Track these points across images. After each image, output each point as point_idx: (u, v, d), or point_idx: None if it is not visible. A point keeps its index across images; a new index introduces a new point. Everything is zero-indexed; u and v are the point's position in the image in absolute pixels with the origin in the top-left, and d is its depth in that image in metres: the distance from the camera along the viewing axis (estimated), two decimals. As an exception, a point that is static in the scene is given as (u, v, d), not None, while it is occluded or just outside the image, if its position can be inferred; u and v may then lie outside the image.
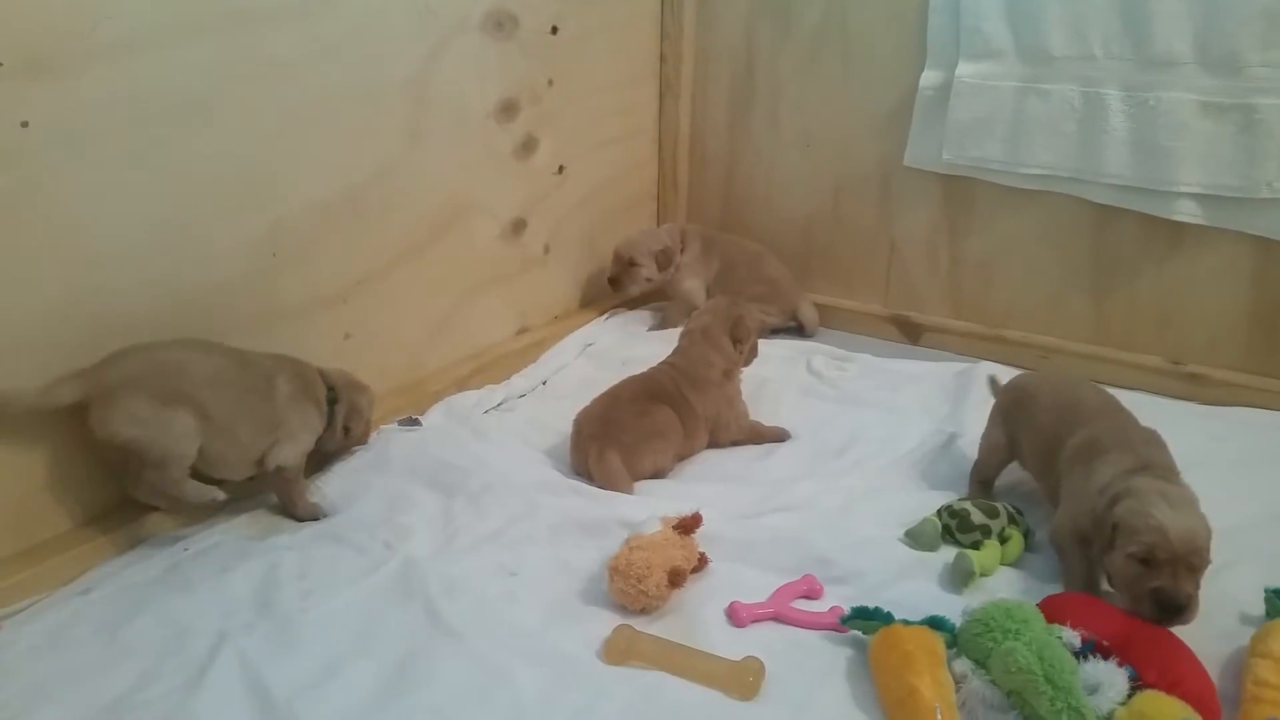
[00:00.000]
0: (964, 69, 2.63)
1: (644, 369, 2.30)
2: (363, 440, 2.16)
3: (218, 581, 1.73)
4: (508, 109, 2.53)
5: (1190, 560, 1.49)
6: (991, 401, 2.10)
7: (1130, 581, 1.53)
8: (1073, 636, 1.45)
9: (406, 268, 2.35)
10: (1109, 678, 1.39)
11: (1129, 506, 1.55)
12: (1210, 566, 1.53)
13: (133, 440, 1.71)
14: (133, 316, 1.82)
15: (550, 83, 2.65)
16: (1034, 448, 1.92)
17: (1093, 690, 1.38)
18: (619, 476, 2.04)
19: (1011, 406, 2.00)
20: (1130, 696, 1.37)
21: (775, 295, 2.93)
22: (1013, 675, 1.37)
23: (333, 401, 2.03)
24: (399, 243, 2.32)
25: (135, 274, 1.82)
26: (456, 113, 2.39)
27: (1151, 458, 1.68)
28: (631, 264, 2.89)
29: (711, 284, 2.99)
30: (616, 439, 2.09)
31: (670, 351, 2.31)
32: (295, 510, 1.94)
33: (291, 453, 1.92)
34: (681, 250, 2.99)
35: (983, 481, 2.03)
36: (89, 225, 1.74)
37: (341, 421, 2.05)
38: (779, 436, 2.31)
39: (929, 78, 2.71)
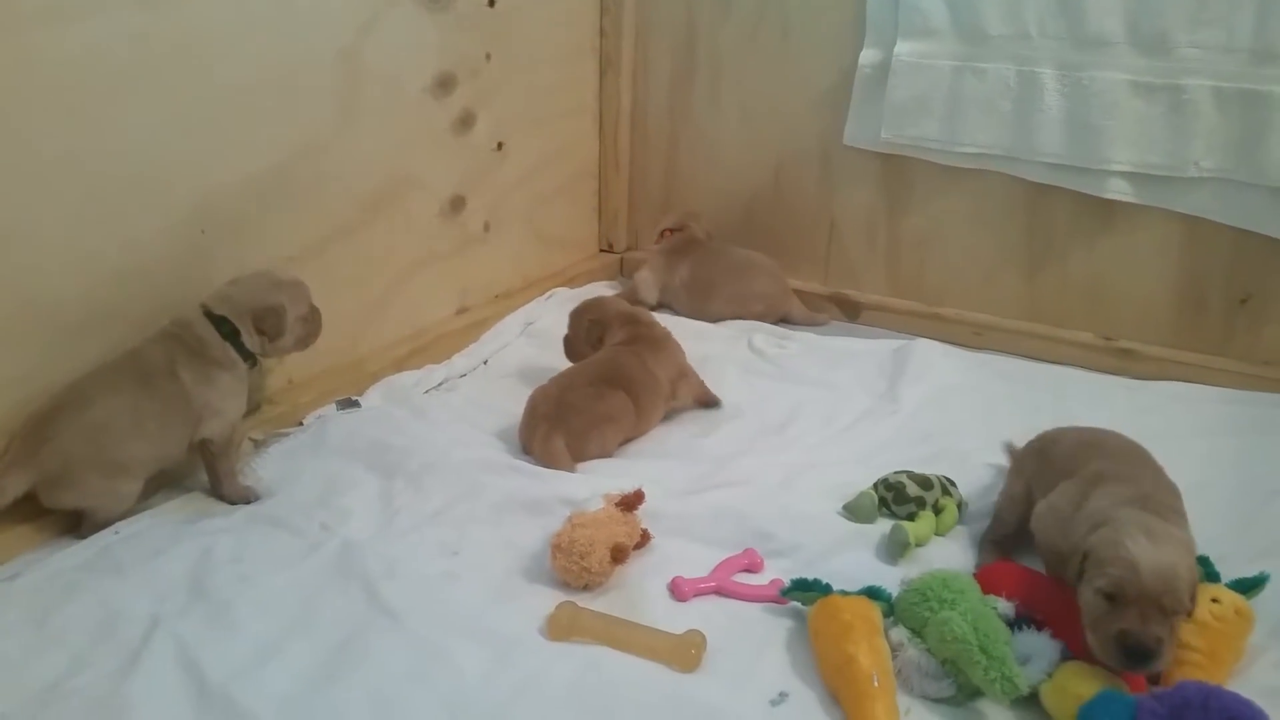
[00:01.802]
0: (902, 47, 2.64)
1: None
2: (315, 330, 2.02)
3: (150, 565, 1.69)
4: (444, 84, 2.50)
5: (1162, 601, 1.32)
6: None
7: (1095, 620, 1.37)
8: (1007, 607, 1.48)
9: (341, 246, 2.31)
10: (1041, 649, 1.42)
11: (1104, 535, 1.40)
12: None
13: (82, 509, 1.77)
14: (57, 296, 1.78)
15: (488, 57, 2.61)
16: (1047, 487, 1.70)
17: (1025, 661, 1.40)
18: (561, 459, 2.03)
19: (1030, 456, 1.83)
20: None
21: (762, 311, 2.86)
22: (948, 644, 1.40)
23: (232, 335, 1.88)
24: (333, 220, 2.28)
25: (60, 254, 1.77)
26: (391, 87, 2.35)
27: (1155, 495, 1.52)
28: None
29: (679, 287, 2.93)
30: (566, 421, 2.08)
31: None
32: (223, 489, 1.91)
33: (216, 426, 1.88)
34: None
35: (996, 542, 1.79)
36: (8, 205, 1.68)
37: (258, 340, 1.90)
38: (716, 401, 2.36)
39: (868, 56, 2.72)
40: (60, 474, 1.72)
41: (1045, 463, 1.77)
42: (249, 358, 1.91)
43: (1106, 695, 1.31)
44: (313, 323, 2.00)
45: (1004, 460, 1.97)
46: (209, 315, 1.88)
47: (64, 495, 1.74)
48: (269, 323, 1.90)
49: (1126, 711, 1.26)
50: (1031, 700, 1.40)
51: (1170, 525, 1.44)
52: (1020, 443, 1.92)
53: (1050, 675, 1.39)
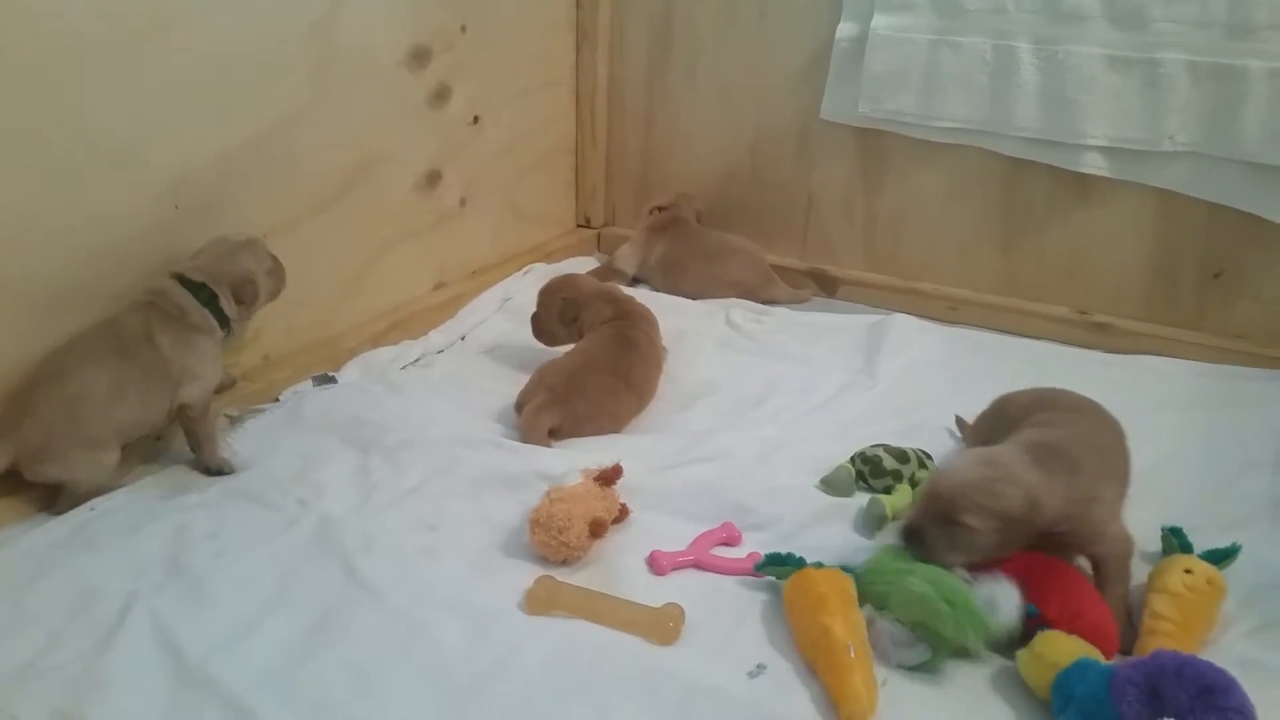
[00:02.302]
0: (879, 20, 2.64)
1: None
2: (281, 281, 2.04)
3: (126, 541, 1.68)
4: (419, 56, 2.47)
5: (934, 504, 1.48)
6: (961, 401, 2.03)
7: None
8: (962, 572, 1.48)
9: (316, 221, 2.29)
10: (1001, 593, 1.43)
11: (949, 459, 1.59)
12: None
13: (65, 481, 1.76)
14: (28, 273, 1.75)
15: (463, 29, 2.58)
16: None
17: (989, 607, 1.42)
18: (538, 436, 2.03)
19: (987, 417, 1.86)
20: (1034, 635, 1.41)
21: (736, 297, 2.83)
22: (912, 606, 1.41)
23: (210, 302, 1.89)
24: (307, 196, 2.26)
25: (30, 230, 1.74)
26: (364, 60, 2.32)
27: (1054, 443, 1.57)
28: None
29: (654, 264, 2.91)
30: (571, 402, 2.07)
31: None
32: (204, 455, 1.90)
33: (196, 391, 1.87)
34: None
35: None
36: (-24, 178, 1.66)
37: (236, 307, 1.92)
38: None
39: (845, 29, 2.71)
40: (42, 447, 1.71)
41: (999, 420, 1.79)
42: (225, 324, 1.92)
43: (1082, 663, 1.32)
44: (277, 275, 2.02)
45: (964, 402, 2.00)
46: (186, 283, 1.87)
47: (46, 468, 1.73)
48: (246, 291, 1.92)
49: (1102, 679, 1.27)
50: (1007, 671, 1.42)
51: (1032, 470, 1.48)
52: (969, 417, 1.95)
53: (1027, 646, 1.40)
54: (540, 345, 2.40)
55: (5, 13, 1.64)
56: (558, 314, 2.34)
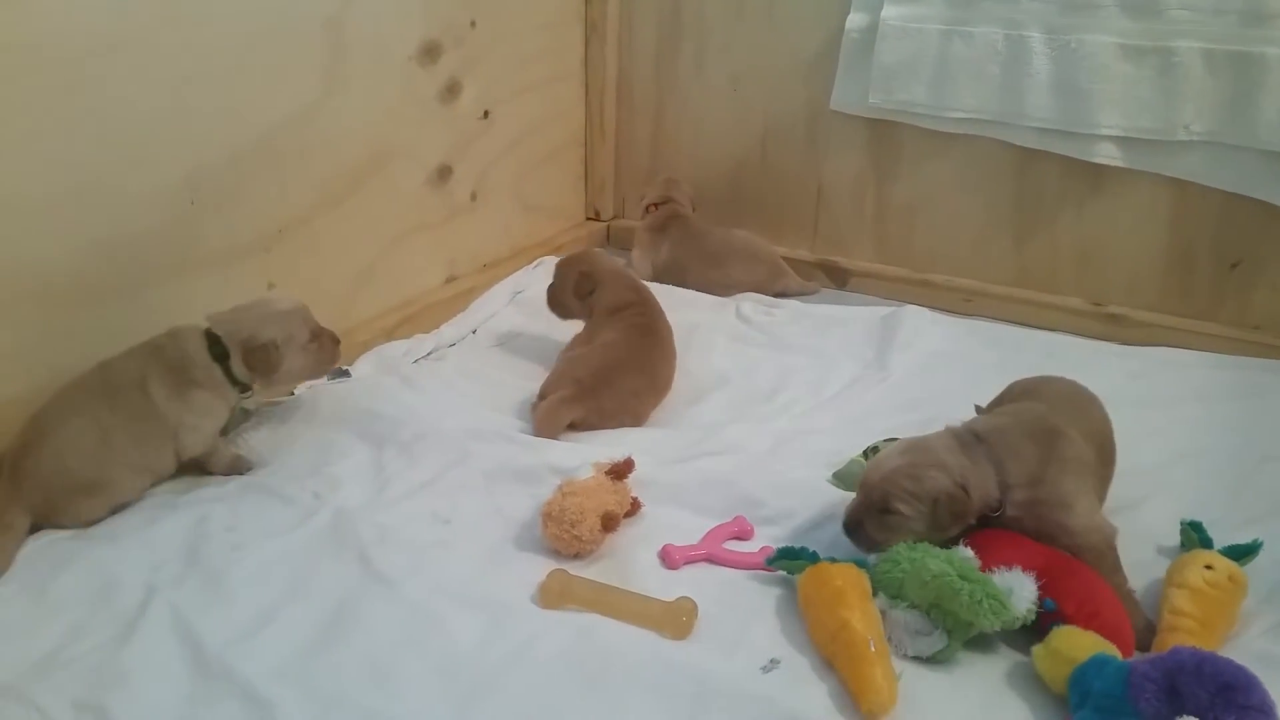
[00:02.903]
0: (889, 11, 2.63)
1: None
2: (328, 354, 1.95)
3: (145, 534, 1.70)
4: (430, 51, 2.48)
5: (866, 493, 1.56)
6: (975, 394, 1.94)
7: None
8: (967, 553, 1.48)
9: (329, 215, 2.29)
10: (1017, 583, 1.43)
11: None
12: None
13: (82, 523, 1.74)
14: (45, 269, 1.76)
15: (473, 24, 2.59)
16: None
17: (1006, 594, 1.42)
18: (554, 429, 2.03)
19: (990, 407, 1.84)
20: (1049, 631, 1.41)
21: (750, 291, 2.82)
22: (928, 585, 1.42)
23: (223, 359, 1.83)
24: (320, 190, 2.26)
25: (45, 226, 1.75)
26: (376, 55, 2.33)
27: (999, 429, 1.60)
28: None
29: (661, 270, 2.88)
30: (598, 395, 2.08)
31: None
32: (212, 469, 1.90)
33: (194, 443, 1.84)
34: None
35: None
36: (-6, 173, 1.67)
37: (248, 372, 1.84)
38: None
39: (855, 20, 2.70)
40: (45, 505, 1.70)
41: (993, 408, 1.80)
42: (238, 384, 1.86)
43: (1099, 659, 1.32)
44: (324, 347, 1.94)
45: (978, 395, 1.91)
46: (209, 333, 1.83)
47: (59, 519, 1.72)
48: (257, 359, 1.83)
49: (1119, 675, 1.27)
50: (1023, 666, 1.43)
51: (959, 455, 1.55)
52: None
53: (1043, 641, 1.40)
54: (553, 338, 2.41)
55: (22, 10, 1.65)
56: (573, 287, 2.34)
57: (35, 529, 1.71)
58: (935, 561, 1.44)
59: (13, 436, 1.73)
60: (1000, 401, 1.81)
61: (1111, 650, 1.36)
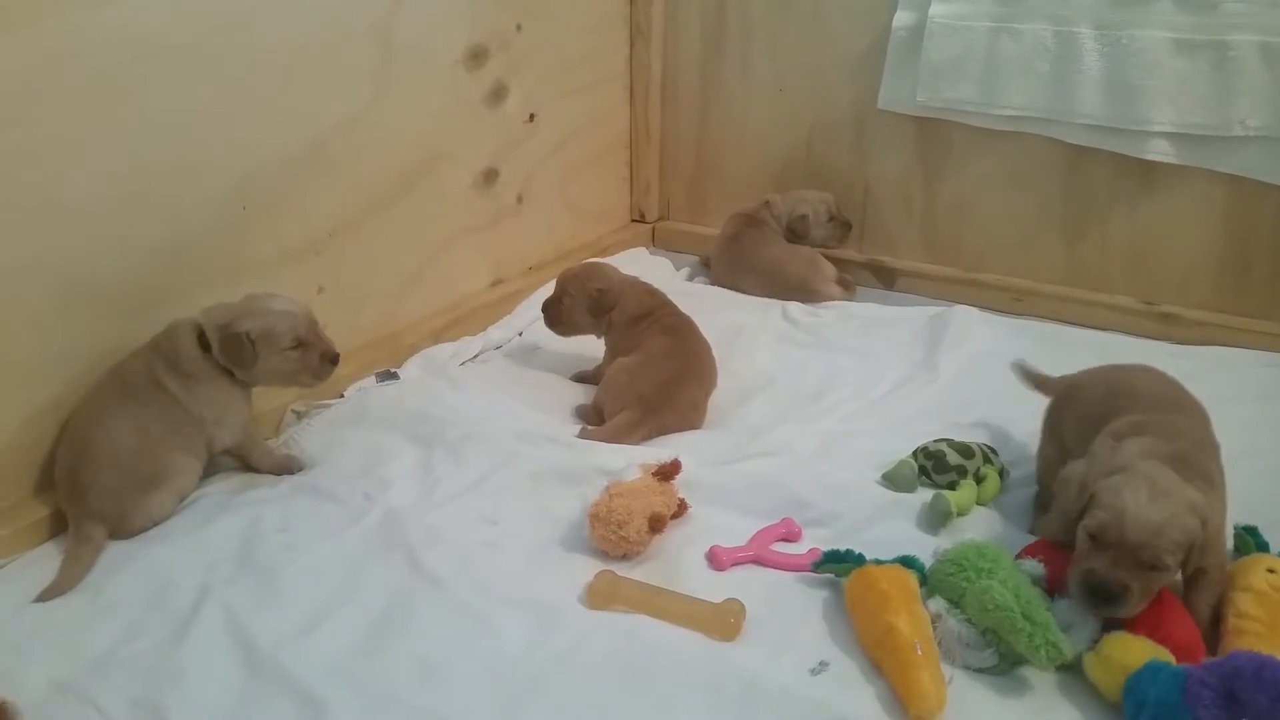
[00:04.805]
0: (937, 9, 2.61)
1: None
2: (314, 366, 1.86)
3: (199, 535, 1.73)
4: (476, 56, 2.49)
5: (1139, 553, 1.35)
6: (1027, 394, 1.93)
7: (1076, 556, 1.42)
8: (1036, 566, 1.47)
9: (377, 219, 2.32)
10: (1081, 616, 1.41)
11: (1111, 481, 1.41)
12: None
13: (156, 522, 1.78)
14: (99, 274, 1.80)
15: (519, 28, 2.60)
16: (1081, 441, 1.64)
17: (1066, 628, 1.39)
18: (619, 438, 2.03)
19: (1056, 409, 1.79)
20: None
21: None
22: (990, 613, 1.39)
23: (210, 349, 1.80)
24: (369, 194, 2.29)
25: (100, 231, 1.79)
26: (423, 60, 2.35)
27: (1190, 455, 1.48)
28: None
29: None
30: (661, 414, 2.07)
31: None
32: (259, 468, 1.92)
33: (225, 437, 1.86)
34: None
35: (1045, 507, 1.75)
36: (50, 182, 1.70)
37: (222, 359, 1.80)
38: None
39: (902, 18, 2.68)
40: (116, 510, 1.71)
41: (1074, 415, 1.71)
42: (229, 373, 1.84)
43: (1153, 666, 1.29)
44: (307, 358, 1.85)
45: (1029, 395, 1.90)
46: (199, 325, 1.81)
47: (132, 523, 1.74)
48: (229, 348, 1.78)
49: (1175, 682, 1.24)
50: (1075, 672, 1.40)
51: (1189, 487, 1.40)
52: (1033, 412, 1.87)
53: (1095, 646, 1.38)
54: (596, 341, 2.36)
55: (71, 18, 1.68)
56: (590, 306, 2.27)
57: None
58: (1001, 592, 1.38)
59: (57, 456, 1.76)
60: (1072, 402, 1.72)
61: (1165, 656, 1.33)
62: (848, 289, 2.84)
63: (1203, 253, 2.52)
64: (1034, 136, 2.62)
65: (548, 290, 2.72)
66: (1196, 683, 1.22)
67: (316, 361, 1.86)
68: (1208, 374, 2.25)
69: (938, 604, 1.46)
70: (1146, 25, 2.38)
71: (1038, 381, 1.88)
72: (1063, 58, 2.49)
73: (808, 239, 2.85)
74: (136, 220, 1.84)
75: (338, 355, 1.90)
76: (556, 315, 2.32)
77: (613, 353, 2.27)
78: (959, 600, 1.44)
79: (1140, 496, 1.37)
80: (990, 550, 1.48)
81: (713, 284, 2.91)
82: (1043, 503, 1.78)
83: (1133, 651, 1.34)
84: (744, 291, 2.84)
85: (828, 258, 2.88)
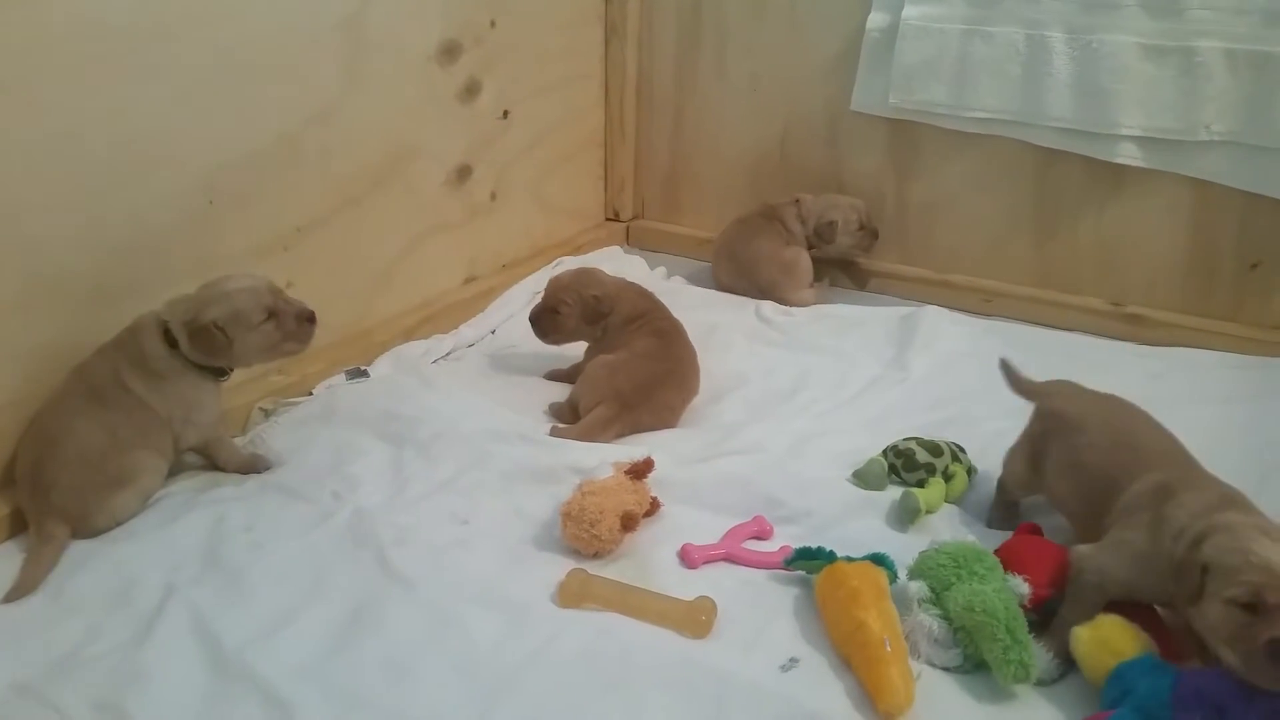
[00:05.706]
0: (910, 11, 2.62)
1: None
2: (291, 332, 1.82)
3: (163, 534, 1.71)
4: (449, 51, 2.48)
5: (1260, 596, 1.23)
6: (995, 393, 1.91)
7: (1235, 633, 1.25)
8: (1020, 584, 1.46)
9: (348, 215, 2.30)
10: (1041, 657, 1.40)
11: (1221, 544, 1.29)
12: None
13: (118, 522, 1.75)
14: (61, 269, 1.78)
15: (493, 23, 2.59)
16: (1077, 489, 1.63)
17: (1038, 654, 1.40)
18: (592, 435, 2.03)
19: (1046, 437, 1.72)
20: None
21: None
22: (973, 615, 1.39)
23: (174, 344, 1.76)
24: (339, 189, 2.27)
25: (61, 225, 1.76)
26: (396, 55, 2.34)
27: (1234, 494, 1.44)
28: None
29: None
30: (636, 412, 2.07)
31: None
32: (225, 467, 1.90)
33: (193, 435, 1.84)
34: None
35: (1007, 503, 1.80)
36: (13, 174, 1.67)
37: (196, 354, 1.76)
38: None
39: (875, 20, 2.70)
40: (80, 509, 1.69)
41: (1065, 451, 1.66)
42: (207, 369, 1.81)
43: (1149, 661, 1.31)
44: (284, 325, 1.80)
45: (998, 395, 1.89)
46: (161, 322, 1.77)
47: (95, 523, 1.71)
48: (201, 342, 1.74)
49: (1167, 684, 1.26)
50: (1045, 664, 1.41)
51: (1267, 519, 1.36)
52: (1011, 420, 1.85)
53: (1090, 623, 1.39)
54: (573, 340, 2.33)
55: (34, 10, 1.66)
56: (585, 314, 2.22)
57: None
58: (992, 599, 1.39)
59: (19, 454, 1.74)
60: (1068, 443, 1.66)
61: (1156, 652, 1.36)
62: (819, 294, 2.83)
63: (1170, 255, 2.55)
64: (1005, 139, 2.64)
65: (521, 288, 2.74)
66: (1187, 689, 1.24)
67: (294, 325, 1.82)
68: (1173, 374, 2.30)
69: (919, 588, 1.47)
70: (1116, 30, 2.41)
71: (1018, 385, 1.86)
72: (1033, 61, 2.51)
73: (834, 246, 2.81)
74: (99, 214, 1.81)
75: (313, 313, 1.84)
76: (551, 325, 2.25)
77: (595, 350, 2.25)
78: (944, 590, 1.45)
79: (1270, 546, 1.27)
80: (988, 559, 1.50)
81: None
82: (1001, 500, 1.81)
83: (1129, 638, 1.36)
84: (721, 278, 2.85)
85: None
